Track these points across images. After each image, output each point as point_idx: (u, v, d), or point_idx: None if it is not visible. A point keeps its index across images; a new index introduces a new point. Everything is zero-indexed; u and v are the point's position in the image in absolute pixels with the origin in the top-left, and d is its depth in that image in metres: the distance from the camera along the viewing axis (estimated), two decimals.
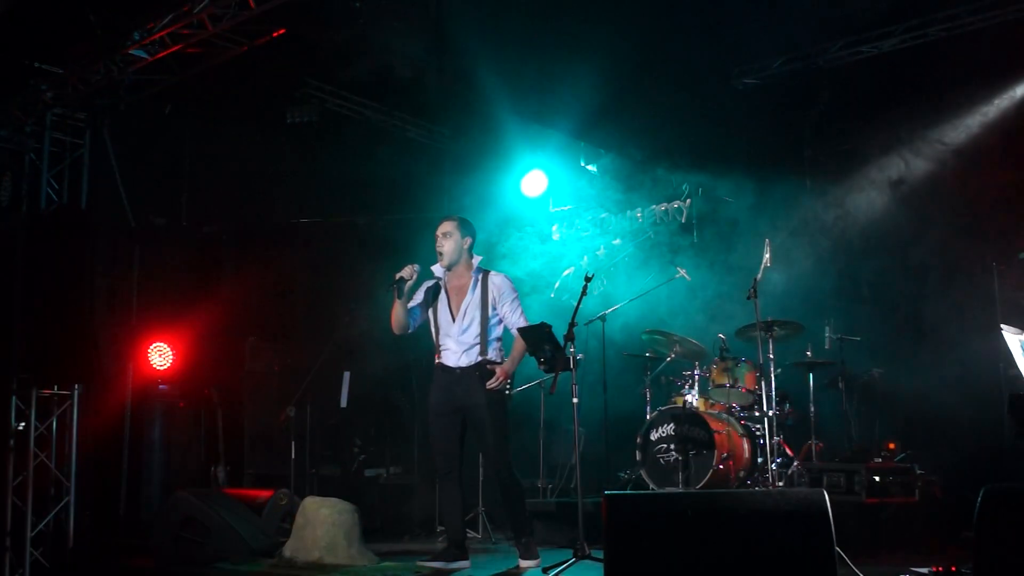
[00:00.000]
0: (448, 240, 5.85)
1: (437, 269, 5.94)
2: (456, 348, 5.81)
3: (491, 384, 5.72)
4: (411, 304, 5.95)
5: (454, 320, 5.83)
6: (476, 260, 5.96)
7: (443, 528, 7.77)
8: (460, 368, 5.78)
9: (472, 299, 5.83)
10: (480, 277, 5.89)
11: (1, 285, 6.97)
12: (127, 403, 7.58)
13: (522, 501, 5.93)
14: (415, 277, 5.80)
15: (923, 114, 8.00)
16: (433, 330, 5.97)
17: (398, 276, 5.77)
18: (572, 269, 9.71)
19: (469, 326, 5.81)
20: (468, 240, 5.89)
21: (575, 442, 5.93)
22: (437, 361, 5.91)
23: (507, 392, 5.79)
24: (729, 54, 8.22)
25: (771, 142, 8.51)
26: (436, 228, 5.93)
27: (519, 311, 5.85)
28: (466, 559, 5.87)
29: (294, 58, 7.53)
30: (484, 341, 5.79)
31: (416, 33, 7.02)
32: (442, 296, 5.92)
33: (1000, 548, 3.95)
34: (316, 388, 7.21)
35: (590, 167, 9.78)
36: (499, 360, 5.84)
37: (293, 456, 6.85)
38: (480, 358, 5.78)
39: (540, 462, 8.24)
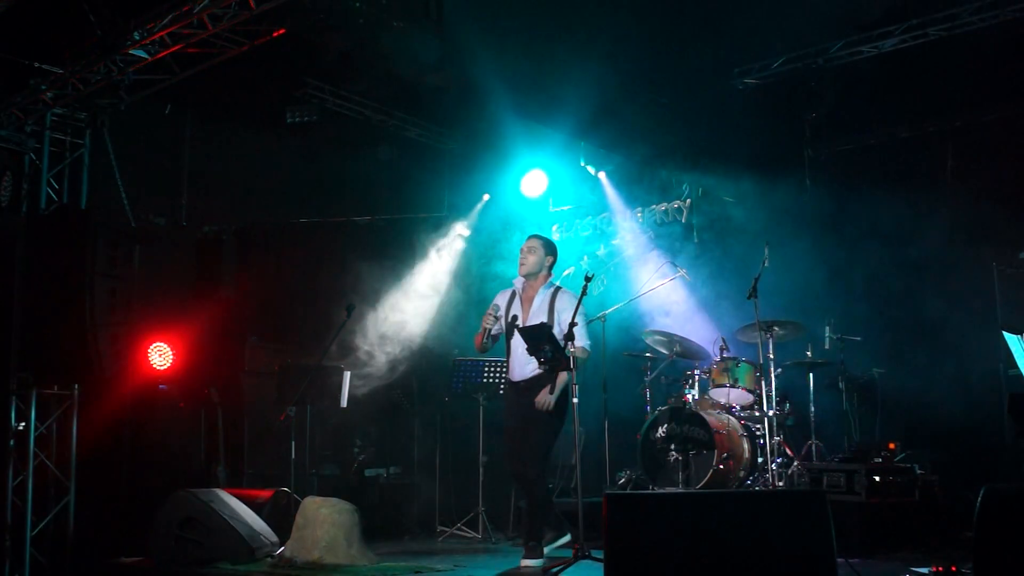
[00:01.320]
0: (532, 255, 6.26)
1: (518, 281, 6.31)
2: (523, 358, 6.07)
3: (537, 399, 5.96)
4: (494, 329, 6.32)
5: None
6: (552, 278, 6.34)
7: (443, 528, 7.79)
8: (525, 380, 6.06)
9: (539, 309, 6.13)
10: (550, 292, 6.20)
11: (1, 285, 6.97)
12: (127, 403, 7.57)
13: (545, 505, 6.06)
14: (500, 321, 6.20)
15: (923, 114, 8.00)
16: (506, 341, 6.27)
17: (484, 326, 6.16)
18: (572, 269, 9.68)
19: None
20: (550, 259, 6.30)
21: (575, 442, 5.95)
22: (507, 376, 6.28)
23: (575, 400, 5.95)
24: (729, 54, 8.22)
25: (771, 142, 8.50)
26: (524, 242, 6.37)
27: (582, 320, 5.99)
28: (541, 556, 5.92)
29: (294, 58, 7.53)
30: None
31: (416, 33, 7.01)
32: (516, 305, 6.25)
33: (1000, 548, 3.95)
34: (316, 388, 7.22)
35: (590, 168, 9.77)
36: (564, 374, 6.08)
37: (293, 456, 6.85)
38: (544, 368, 6.00)
39: None
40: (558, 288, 6.24)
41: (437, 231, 9.60)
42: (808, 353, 7.55)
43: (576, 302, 6.01)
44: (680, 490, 6.99)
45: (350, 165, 9.15)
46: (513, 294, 6.29)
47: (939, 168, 7.92)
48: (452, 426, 8.69)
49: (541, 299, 6.16)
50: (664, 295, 8.46)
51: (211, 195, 8.46)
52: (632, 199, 9.49)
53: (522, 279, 6.27)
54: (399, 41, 7.07)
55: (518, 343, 6.07)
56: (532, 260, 6.22)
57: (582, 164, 9.71)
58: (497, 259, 9.15)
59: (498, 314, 6.19)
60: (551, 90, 8.08)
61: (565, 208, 10.02)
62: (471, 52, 7.26)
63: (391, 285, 8.99)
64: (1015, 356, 5.65)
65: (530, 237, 6.36)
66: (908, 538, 6.36)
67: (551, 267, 6.30)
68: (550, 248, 6.32)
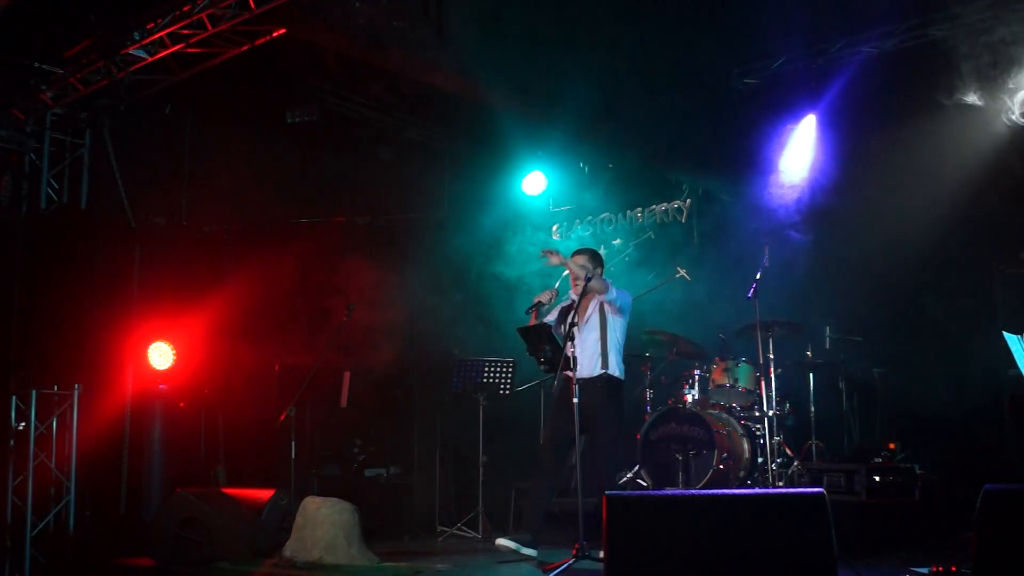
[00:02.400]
0: (582, 271, 6.33)
1: (573, 293, 6.45)
2: (580, 360, 6.17)
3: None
4: (546, 320, 6.46)
5: (579, 332, 6.27)
6: None
7: (443, 528, 7.79)
8: (583, 379, 6.11)
9: (593, 313, 6.29)
10: (602, 297, 6.31)
11: (1, 285, 6.97)
12: (127, 403, 7.57)
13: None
14: (553, 300, 6.39)
15: (924, 113, 7.99)
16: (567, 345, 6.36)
17: (536, 300, 6.35)
18: None
19: (589, 337, 6.25)
20: (599, 269, 6.45)
21: (575, 442, 5.95)
22: (565, 372, 6.33)
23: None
24: (729, 54, 8.21)
25: (771, 142, 8.50)
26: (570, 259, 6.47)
27: (617, 292, 6.27)
28: (536, 549, 6.02)
29: (294, 58, 7.52)
30: (604, 352, 6.20)
31: (416, 32, 7.01)
32: (573, 314, 6.32)
33: (1000, 548, 3.95)
34: (316, 388, 7.21)
35: (590, 169, 9.75)
36: (618, 375, 6.24)
37: (293, 456, 6.85)
38: (602, 370, 6.18)
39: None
40: None
41: (437, 231, 9.59)
42: (808, 353, 7.55)
43: (624, 291, 6.37)
44: (680, 490, 6.99)
45: (350, 165, 9.13)
46: (572, 304, 6.42)
47: (940, 167, 7.90)
48: (452, 426, 8.68)
49: (594, 305, 6.35)
50: (664, 295, 8.45)
51: (211, 195, 8.46)
52: (632, 199, 9.48)
53: (576, 294, 6.42)
54: (399, 41, 7.06)
55: (580, 342, 6.21)
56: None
57: (582, 165, 9.71)
58: (497, 259, 9.13)
59: (554, 294, 6.38)
60: (551, 90, 8.07)
61: (565, 208, 10.01)
62: (471, 52, 7.25)
63: (391, 285, 8.98)
64: (1015, 356, 5.64)
65: (575, 254, 6.52)
66: (908, 538, 6.36)
67: (601, 275, 6.43)
68: (596, 259, 6.51)
